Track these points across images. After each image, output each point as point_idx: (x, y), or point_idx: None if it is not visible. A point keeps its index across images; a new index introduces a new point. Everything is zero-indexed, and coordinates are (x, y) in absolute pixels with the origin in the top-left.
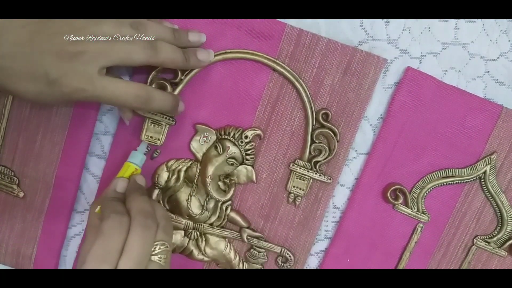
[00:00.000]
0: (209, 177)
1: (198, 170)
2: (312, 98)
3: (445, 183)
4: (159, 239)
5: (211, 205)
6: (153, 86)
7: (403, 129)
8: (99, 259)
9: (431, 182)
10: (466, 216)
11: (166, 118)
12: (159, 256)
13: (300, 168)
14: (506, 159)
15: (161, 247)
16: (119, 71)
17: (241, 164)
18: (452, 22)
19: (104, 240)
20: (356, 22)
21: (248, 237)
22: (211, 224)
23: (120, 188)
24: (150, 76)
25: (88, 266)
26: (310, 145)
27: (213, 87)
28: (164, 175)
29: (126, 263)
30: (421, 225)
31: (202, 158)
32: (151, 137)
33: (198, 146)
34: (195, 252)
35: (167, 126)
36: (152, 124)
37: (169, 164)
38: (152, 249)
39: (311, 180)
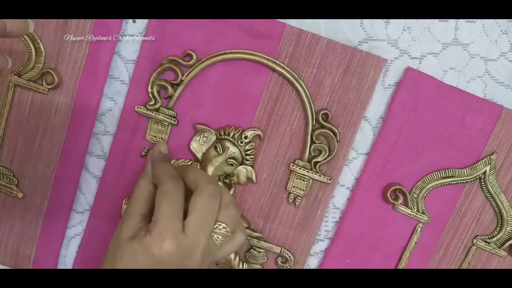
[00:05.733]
0: None
1: None
2: (312, 98)
3: (445, 183)
4: (222, 220)
5: None
6: (155, 87)
7: (403, 129)
8: (171, 217)
9: (431, 182)
10: (466, 216)
11: (168, 118)
12: (217, 236)
13: (300, 169)
14: (506, 159)
15: (222, 229)
16: (118, 71)
17: (240, 164)
18: (452, 22)
19: (171, 199)
20: (356, 22)
21: (247, 237)
22: None
23: (164, 149)
24: (151, 78)
25: (162, 225)
26: (310, 146)
27: (213, 87)
28: None
29: (195, 224)
30: (421, 225)
31: (202, 158)
32: (154, 136)
33: (198, 146)
34: None
35: (170, 126)
36: (155, 124)
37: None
38: (215, 225)
39: (311, 180)
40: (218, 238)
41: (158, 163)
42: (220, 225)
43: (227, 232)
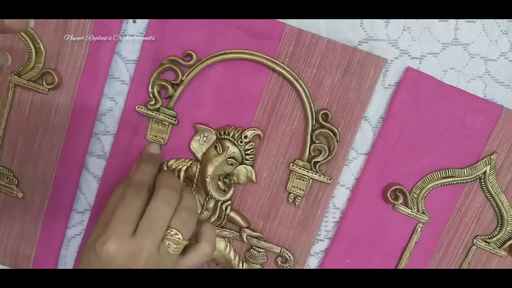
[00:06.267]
0: (209, 177)
1: (198, 170)
2: (312, 98)
3: (445, 183)
4: (174, 226)
5: (210, 204)
6: (155, 87)
7: (403, 129)
8: (120, 220)
9: (431, 182)
10: (466, 216)
11: (168, 118)
12: (169, 242)
13: (300, 168)
14: (506, 159)
15: (174, 235)
16: (119, 71)
17: (240, 164)
18: (452, 22)
19: (125, 203)
20: (356, 22)
21: (247, 237)
22: None
23: (154, 149)
24: (152, 78)
25: (109, 227)
26: (310, 145)
27: (213, 87)
28: None
29: (143, 227)
30: (421, 225)
31: (202, 158)
32: (155, 136)
33: (198, 146)
34: None
35: (170, 125)
36: (156, 124)
37: (169, 163)
38: (167, 231)
39: (311, 180)
40: (169, 244)
41: (140, 164)
42: (171, 231)
43: (179, 239)
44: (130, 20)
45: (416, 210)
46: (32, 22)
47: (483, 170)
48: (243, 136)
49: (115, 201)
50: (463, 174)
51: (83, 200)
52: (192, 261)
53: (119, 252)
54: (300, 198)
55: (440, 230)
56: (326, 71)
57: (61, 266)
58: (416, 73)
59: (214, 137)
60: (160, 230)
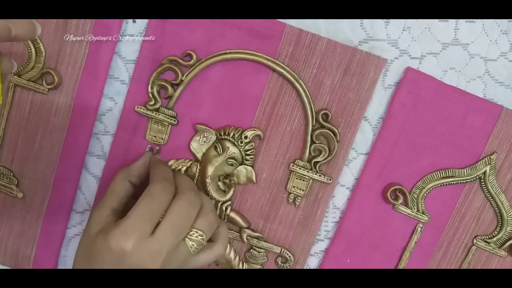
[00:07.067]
0: (209, 177)
1: (197, 170)
2: (312, 98)
3: (445, 183)
4: (199, 227)
5: None
6: (155, 87)
7: (403, 129)
8: (143, 217)
9: (431, 182)
10: (466, 216)
11: (168, 118)
12: (192, 243)
13: (300, 169)
14: (506, 159)
15: (198, 236)
16: (118, 71)
17: (240, 164)
18: (452, 22)
19: (152, 200)
20: (356, 22)
21: (247, 237)
22: None
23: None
24: (151, 78)
25: (130, 222)
26: (310, 146)
27: (213, 88)
28: None
29: (166, 227)
30: (421, 225)
31: (202, 158)
32: (154, 136)
33: (198, 146)
34: None
35: (170, 126)
36: (155, 124)
37: (169, 164)
38: (190, 232)
39: (311, 180)
40: (192, 245)
41: (158, 164)
42: (196, 232)
43: (203, 240)
44: (130, 20)
45: (416, 210)
46: (39, 29)
47: (483, 170)
48: (243, 136)
49: (116, 187)
50: (463, 174)
51: (83, 200)
52: (205, 259)
53: (138, 250)
54: (300, 198)
55: (440, 230)
56: (326, 71)
57: (61, 266)
58: (416, 73)
59: (214, 138)
60: (183, 231)
